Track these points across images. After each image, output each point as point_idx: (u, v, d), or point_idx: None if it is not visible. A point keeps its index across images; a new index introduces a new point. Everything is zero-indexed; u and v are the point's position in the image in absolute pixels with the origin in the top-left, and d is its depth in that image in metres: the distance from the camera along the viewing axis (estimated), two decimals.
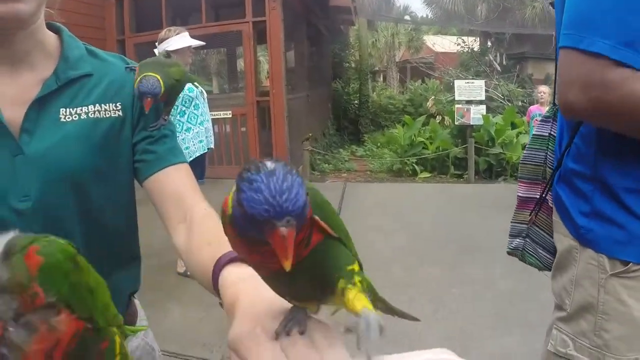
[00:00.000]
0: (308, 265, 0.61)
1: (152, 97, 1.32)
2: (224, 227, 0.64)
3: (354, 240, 0.70)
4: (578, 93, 1.42)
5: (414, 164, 11.70)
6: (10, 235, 0.64)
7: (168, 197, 1.31)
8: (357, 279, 0.63)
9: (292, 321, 0.67)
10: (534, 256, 1.90)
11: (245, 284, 0.82)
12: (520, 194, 1.93)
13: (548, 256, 1.86)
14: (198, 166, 5.21)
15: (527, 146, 1.94)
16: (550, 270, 1.82)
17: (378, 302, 0.75)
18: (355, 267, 0.65)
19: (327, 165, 12.47)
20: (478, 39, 23.21)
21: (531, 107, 9.27)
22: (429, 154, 11.77)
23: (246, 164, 0.56)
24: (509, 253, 1.99)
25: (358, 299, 0.61)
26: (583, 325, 1.61)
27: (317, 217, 0.61)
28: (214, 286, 0.93)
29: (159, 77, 1.34)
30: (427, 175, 11.49)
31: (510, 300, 4.84)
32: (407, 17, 32.19)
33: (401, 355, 0.57)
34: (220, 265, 0.93)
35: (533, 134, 1.93)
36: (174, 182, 1.34)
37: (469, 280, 5.32)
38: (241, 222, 0.57)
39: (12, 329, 0.59)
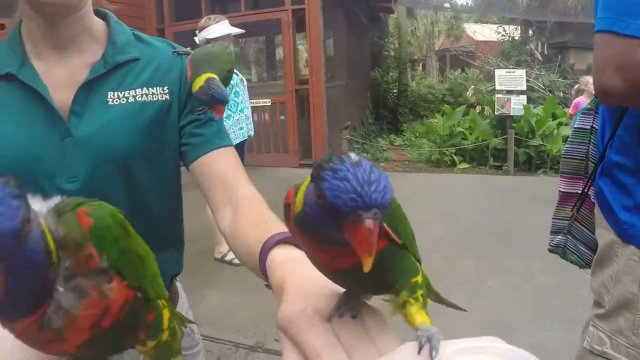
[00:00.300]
0: (372, 268, 0.56)
1: (223, 104, 1.29)
2: (286, 223, 0.63)
3: None
4: (614, 75, 1.41)
5: (452, 155, 11.58)
6: (56, 199, 0.64)
7: (214, 179, 1.33)
8: (419, 292, 0.62)
9: (345, 305, 0.66)
10: (575, 253, 1.87)
11: (294, 265, 0.82)
12: (561, 189, 1.91)
13: (589, 253, 1.83)
14: (238, 153, 5.21)
15: (568, 140, 1.91)
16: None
17: (431, 293, 0.75)
18: (419, 278, 0.64)
19: (365, 154, 12.36)
20: (519, 27, 22.79)
21: (578, 99, 8.83)
22: (468, 144, 11.63)
23: (325, 156, 0.53)
24: (550, 250, 1.97)
25: (419, 314, 0.60)
26: (621, 323, 1.58)
27: (384, 224, 0.59)
28: (261, 268, 0.93)
29: (217, 77, 1.32)
30: (466, 166, 11.36)
31: (549, 294, 4.78)
32: (446, 5, 31.80)
33: (453, 341, 0.57)
34: (267, 247, 0.93)
35: (575, 127, 1.90)
36: (221, 165, 1.36)
37: (507, 273, 5.27)
38: (313, 217, 0.54)
39: (61, 289, 0.59)
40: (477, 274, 5.27)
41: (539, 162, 11.10)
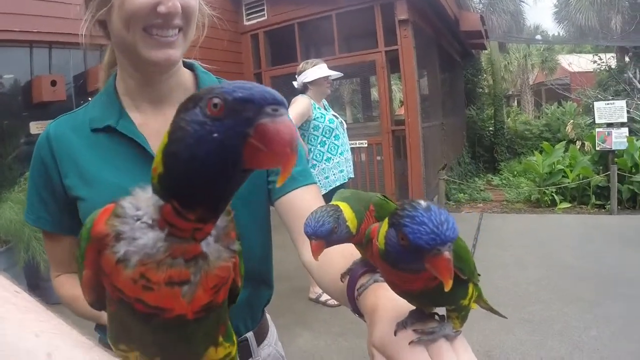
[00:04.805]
0: (435, 292, 0.73)
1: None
2: (373, 259, 0.79)
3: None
4: None
5: (553, 194, 11.16)
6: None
7: (298, 215, 1.38)
8: (462, 313, 0.81)
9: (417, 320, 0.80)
10: None
11: (385, 290, 0.90)
12: None
13: None
14: None
15: None
16: None
17: (481, 301, 0.94)
18: (466, 300, 0.82)
19: (462, 194, 12.20)
20: (615, 55, 21.75)
21: None
22: (568, 182, 11.19)
23: (399, 205, 0.70)
24: None
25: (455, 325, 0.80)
26: None
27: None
28: (348, 294, 1.02)
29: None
30: (567, 205, 10.90)
31: None
32: (538, 37, 31.27)
33: None
34: (356, 274, 1.02)
35: None
36: (304, 202, 1.41)
37: (610, 320, 4.99)
38: (395, 254, 0.69)
39: (212, 239, 0.69)
40: (578, 322, 5.02)
41: None
